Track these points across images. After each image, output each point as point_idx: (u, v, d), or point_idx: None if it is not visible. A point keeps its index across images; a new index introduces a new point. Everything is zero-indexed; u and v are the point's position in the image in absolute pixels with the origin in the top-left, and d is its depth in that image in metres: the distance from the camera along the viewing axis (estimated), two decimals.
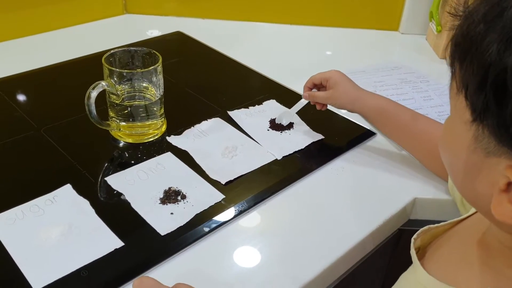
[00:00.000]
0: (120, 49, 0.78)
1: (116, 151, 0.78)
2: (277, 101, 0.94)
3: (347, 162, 0.79)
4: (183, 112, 0.89)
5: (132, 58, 0.80)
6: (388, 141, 0.84)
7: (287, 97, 0.95)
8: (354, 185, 0.75)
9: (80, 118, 0.82)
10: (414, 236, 0.58)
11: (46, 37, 1.15)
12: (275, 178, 0.74)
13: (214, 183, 0.72)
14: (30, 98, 0.91)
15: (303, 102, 0.85)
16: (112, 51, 0.77)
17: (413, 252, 0.56)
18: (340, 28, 1.28)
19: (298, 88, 0.97)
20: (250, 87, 1.01)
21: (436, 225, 0.58)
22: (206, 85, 0.99)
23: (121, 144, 0.79)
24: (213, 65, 1.09)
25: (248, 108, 0.91)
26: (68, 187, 0.69)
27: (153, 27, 1.24)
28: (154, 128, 0.80)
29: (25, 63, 1.01)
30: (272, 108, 0.92)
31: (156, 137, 0.80)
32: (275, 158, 0.78)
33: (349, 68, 1.06)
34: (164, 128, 0.82)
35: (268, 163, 0.77)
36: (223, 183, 0.72)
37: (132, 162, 0.75)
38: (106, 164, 0.75)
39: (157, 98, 0.78)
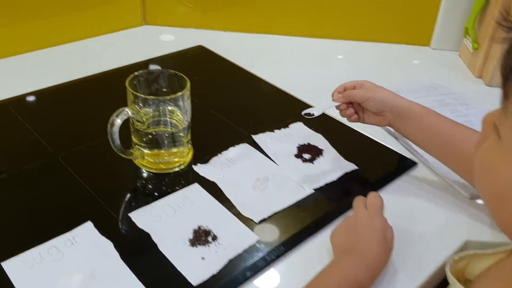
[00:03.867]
0: (143, 71, 0.72)
1: (139, 181, 0.73)
2: (305, 123, 0.88)
3: (387, 197, 0.73)
4: (209, 137, 0.84)
5: (157, 79, 0.75)
6: (431, 171, 0.79)
7: (315, 119, 0.89)
8: (396, 225, 0.68)
9: (100, 144, 0.76)
10: (454, 257, 0.54)
11: (61, 50, 1.09)
12: (311, 216, 0.68)
13: (246, 221, 0.66)
14: (46, 119, 0.86)
15: (332, 104, 0.77)
16: (135, 73, 0.71)
17: (449, 276, 0.51)
18: (369, 42, 1.22)
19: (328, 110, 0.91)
20: (276, 108, 0.95)
21: (484, 251, 0.53)
22: (231, 106, 0.94)
23: (144, 174, 0.73)
24: (237, 83, 1.04)
25: (273, 131, 0.85)
26: (89, 225, 0.63)
27: (173, 39, 1.19)
28: (180, 156, 0.75)
29: (40, 79, 0.96)
30: (299, 131, 0.86)
31: (182, 166, 0.75)
32: (307, 193, 0.72)
33: (381, 85, 1.01)
34: (190, 155, 0.77)
35: (302, 199, 0.71)
36: (256, 222, 0.66)
37: (157, 194, 0.70)
38: (129, 197, 0.69)
39: (184, 126, 0.73)
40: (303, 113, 0.75)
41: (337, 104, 0.77)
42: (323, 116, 0.91)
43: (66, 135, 0.81)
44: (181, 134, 0.73)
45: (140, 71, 0.71)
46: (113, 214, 0.66)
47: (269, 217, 0.67)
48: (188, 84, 0.71)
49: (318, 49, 1.21)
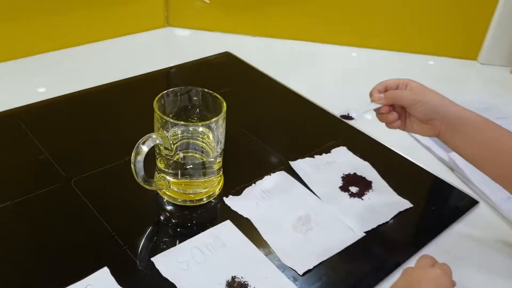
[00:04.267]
0: (172, 90, 0.62)
1: (163, 215, 0.63)
2: (349, 148, 0.78)
3: (451, 243, 0.63)
4: (240, 162, 0.74)
5: (188, 98, 0.65)
6: (494, 210, 0.69)
7: (360, 143, 0.80)
8: (464, 278, 0.57)
9: (119, 167, 0.67)
10: None
11: (77, 52, 0.99)
12: (363, 266, 0.58)
13: (288, 272, 0.57)
14: (58, 134, 0.76)
15: (374, 105, 0.65)
16: (164, 92, 0.61)
17: None
18: (411, 53, 1.11)
19: (372, 130, 0.81)
20: (314, 128, 0.85)
21: None
22: (264, 124, 0.84)
23: (168, 207, 0.64)
24: (269, 97, 0.93)
25: (313, 157, 0.76)
26: (105, 272, 0.54)
27: (197, 44, 1.09)
28: (210, 186, 0.65)
29: (53, 85, 0.87)
30: (343, 158, 0.76)
31: (211, 198, 0.65)
32: (358, 237, 0.62)
33: None
34: (220, 185, 0.67)
35: (351, 244, 0.61)
36: (300, 274, 0.57)
37: (184, 232, 0.60)
38: (152, 235, 0.60)
39: (216, 153, 0.63)
40: (339, 115, 0.65)
41: (379, 106, 0.64)
42: (369, 140, 0.82)
43: (81, 155, 0.71)
44: (212, 160, 0.64)
45: (168, 90, 0.62)
46: (133, 258, 0.56)
47: (315, 267, 0.58)
48: (224, 108, 0.61)
49: (360, 59, 1.10)
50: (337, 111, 0.87)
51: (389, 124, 0.66)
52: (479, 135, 0.60)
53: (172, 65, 0.96)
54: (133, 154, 0.56)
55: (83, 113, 0.81)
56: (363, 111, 0.65)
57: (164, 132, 0.58)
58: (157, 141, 0.57)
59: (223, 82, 0.94)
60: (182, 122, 0.59)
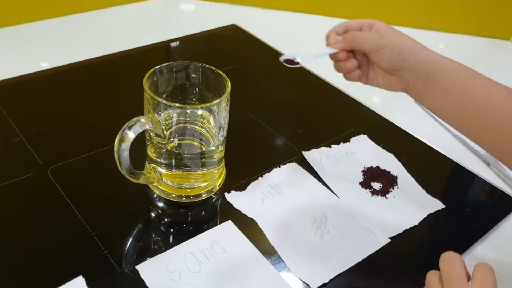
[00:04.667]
0: (166, 65, 0.53)
1: (153, 212, 0.53)
2: (370, 137, 0.68)
3: (489, 251, 0.54)
4: (246, 151, 0.64)
5: (185, 74, 0.55)
6: None
7: (384, 131, 0.70)
8: None
9: (103, 154, 0.58)
10: None
11: (61, 22, 0.88)
12: (389, 280, 0.49)
13: (299, 284, 0.48)
14: (36, 115, 0.65)
15: (328, 50, 0.53)
16: (156, 67, 0.52)
17: None
18: (440, 32, 1.00)
19: (397, 118, 0.72)
20: (333, 114, 0.74)
21: None
22: (275, 108, 0.74)
23: (160, 203, 0.55)
24: (281, 77, 0.82)
25: (330, 147, 0.66)
26: (79, 282, 0.45)
27: (201, 15, 0.98)
28: (210, 179, 0.56)
29: (32, 60, 0.76)
30: (364, 148, 0.66)
31: (211, 193, 0.56)
32: (382, 243, 0.53)
33: None
34: (222, 178, 0.58)
35: (374, 252, 0.52)
36: None
37: (177, 234, 0.51)
38: (138, 238, 0.50)
39: (218, 142, 0.54)
40: (282, 59, 0.52)
41: (335, 51, 0.53)
42: (394, 128, 0.72)
43: (61, 140, 0.61)
44: (213, 149, 0.54)
45: (162, 65, 0.52)
46: (114, 265, 0.47)
47: (331, 280, 0.49)
48: (228, 87, 0.51)
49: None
50: (352, 91, 0.77)
51: (347, 74, 0.54)
52: (460, 88, 0.49)
53: (172, 38, 0.86)
54: (116, 141, 0.46)
55: (65, 91, 0.71)
56: (314, 56, 0.53)
57: (156, 115, 0.49)
58: (147, 126, 0.48)
59: (228, 58, 0.84)
60: (177, 104, 0.49)
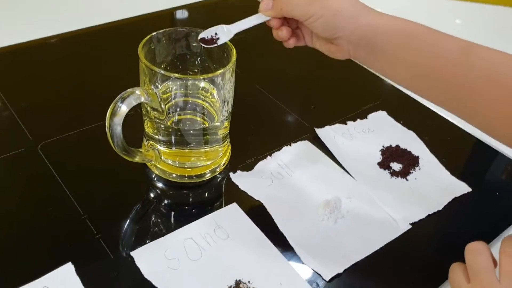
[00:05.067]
0: (164, 31, 0.47)
1: (151, 193, 0.49)
2: (390, 113, 0.63)
3: None
4: (254, 128, 0.59)
5: (185, 42, 0.50)
6: None
7: (404, 107, 0.64)
8: None
9: (97, 130, 0.54)
10: None
11: None
12: (410, 270, 0.44)
13: (311, 276, 0.43)
14: (26, 86, 0.61)
15: (259, 18, 0.47)
16: (152, 34, 0.47)
17: None
18: (471, 2, 0.93)
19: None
20: (349, 88, 0.69)
21: None
22: (285, 81, 0.68)
23: (159, 183, 0.50)
24: (294, 50, 0.77)
25: (346, 123, 0.61)
26: (68, 269, 0.41)
27: None
28: (213, 158, 0.51)
29: (22, 28, 0.71)
30: (382, 125, 0.60)
31: (216, 173, 0.52)
32: (402, 230, 0.48)
33: None
34: (227, 157, 0.53)
35: (394, 239, 0.47)
36: (327, 279, 0.43)
37: (176, 217, 0.47)
38: (134, 221, 0.46)
39: (222, 117, 0.49)
40: (200, 36, 0.46)
41: (266, 18, 0.47)
42: (415, 104, 0.66)
43: (53, 113, 0.57)
44: (218, 125, 0.50)
45: (159, 31, 0.46)
46: (106, 251, 0.43)
47: (345, 271, 0.44)
48: (234, 56, 0.46)
49: (406, 4, 0.92)
50: None
51: (285, 43, 0.49)
52: (404, 52, 0.42)
53: (175, 6, 0.80)
54: (108, 114, 0.42)
55: (58, 63, 0.66)
56: (241, 27, 0.46)
57: (152, 87, 0.44)
58: (142, 99, 0.43)
59: None
60: (176, 75, 0.44)
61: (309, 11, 0.43)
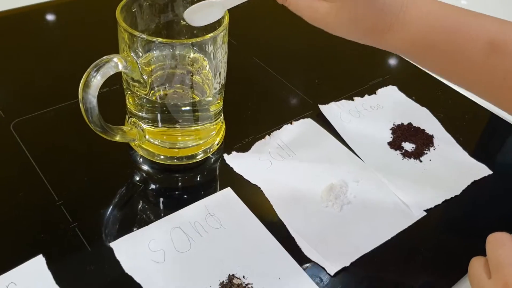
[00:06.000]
0: None
1: (134, 178, 0.44)
2: (400, 88, 0.57)
3: None
4: (251, 104, 0.53)
5: (171, 6, 0.44)
6: None
7: (416, 82, 0.59)
8: None
9: (76, 106, 0.47)
10: None
11: None
12: (426, 262, 0.39)
13: (314, 270, 0.39)
14: None
15: None
16: None
17: None
18: None
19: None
20: (356, 61, 0.63)
21: None
22: (286, 53, 0.62)
23: (144, 166, 0.45)
24: (295, 16, 0.71)
25: (353, 99, 0.55)
26: (38, 263, 0.36)
27: None
28: (205, 137, 0.46)
29: None
30: (393, 102, 0.55)
31: (208, 153, 0.46)
32: (415, 217, 0.43)
33: None
34: (221, 136, 0.48)
35: (406, 228, 0.42)
36: (331, 274, 0.38)
37: (163, 203, 0.42)
38: (115, 209, 0.41)
39: (214, 90, 0.43)
40: (186, 14, 0.39)
41: None
42: (428, 78, 0.60)
43: (25, 89, 0.51)
44: (209, 100, 0.44)
45: None
46: (83, 241, 0.38)
47: (353, 264, 0.39)
48: (226, 20, 0.40)
49: None
50: None
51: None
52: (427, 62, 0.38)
53: None
54: (80, 86, 0.36)
55: (31, 34, 0.60)
56: (235, 2, 0.39)
57: (132, 54, 0.39)
58: (120, 67, 0.38)
59: None
60: (159, 39, 0.38)
61: None
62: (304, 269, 0.38)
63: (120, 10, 0.39)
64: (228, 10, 0.41)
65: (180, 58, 0.42)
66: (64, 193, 0.41)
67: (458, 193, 0.45)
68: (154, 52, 0.41)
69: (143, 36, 0.37)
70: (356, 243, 0.40)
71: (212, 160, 0.46)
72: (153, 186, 0.43)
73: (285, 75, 0.57)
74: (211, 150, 0.46)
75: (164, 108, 0.42)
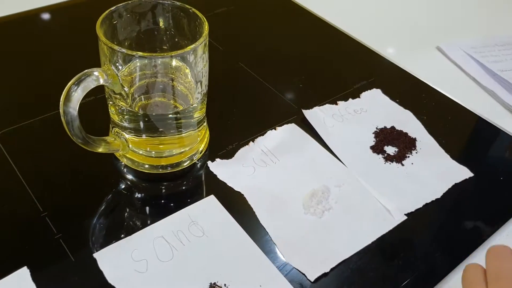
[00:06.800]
0: (126, 4, 0.42)
1: (119, 188, 0.44)
2: (384, 91, 0.58)
3: None
4: (235, 110, 0.54)
5: (151, 15, 0.45)
6: None
7: (401, 84, 0.59)
8: None
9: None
10: None
11: None
12: (407, 266, 0.40)
13: (294, 275, 0.39)
14: None
15: None
16: (113, 7, 0.41)
17: None
18: None
19: (416, 68, 0.61)
20: (340, 65, 0.63)
21: None
22: (271, 58, 0.63)
23: (129, 175, 0.46)
24: (281, 21, 0.71)
25: (336, 103, 0.56)
26: (23, 275, 0.37)
27: None
28: (189, 144, 0.46)
29: None
30: (376, 105, 0.56)
31: (192, 161, 0.47)
32: (396, 222, 0.43)
33: (493, 33, 0.70)
34: (205, 143, 0.48)
35: (387, 233, 0.43)
36: (311, 280, 0.39)
37: (146, 214, 0.43)
38: (100, 220, 0.41)
39: (196, 100, 0.44)
40: None
41: None
42: (413, 80, 0.60)
43: (11, 99, 0.52)
44: (192, 108, 0.45)
45: (120, 5, 0.41)
46: (67, 252, 0.38)
47: (333, 269, 0.40)
48: (206, 30, 0.41)
49: None
50: (364, 37, 0.66)
51: None
52: None
53: None
54: (61, 99, 0.37)
55: (16, 43, 0.60)
56: None
57: (113, 68, 0.39)
58: (101, 81, 0.38)
59: (220, 0, 0.72)
60: (139, 53, 0.39)
61: None
62: (285, 276, 0.38)
63: (100, 24, 0.39)
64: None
65: (161, 67, 0.43)
66: (49, 204, 0.41)
67: (439, 196, 0.46)
68: (135, 62, 0.41)
69: (123, 50, 0.37)
70: (337, 249, 0.41)
71: (196, 167, 0.47)
72: (137, 195, 0.44)
73: (270, 80, 0.58)
74: (195, 157, 0.47)
75: (147, 118, 0.42)
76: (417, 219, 0.44)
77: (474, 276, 0.34)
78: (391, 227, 0.43)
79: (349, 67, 0.62)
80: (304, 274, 0.39)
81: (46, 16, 0.65)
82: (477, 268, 0.34)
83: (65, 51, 0.59)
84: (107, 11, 0.40)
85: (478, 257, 0.42)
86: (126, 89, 0.40)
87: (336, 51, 0.66)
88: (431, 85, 0.59)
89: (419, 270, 0.40)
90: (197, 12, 0.42)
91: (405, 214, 0.44)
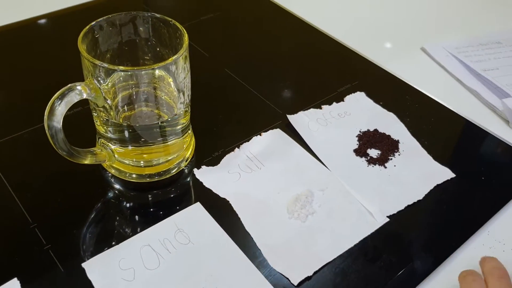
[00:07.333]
0: (107, 18, 0.42)
1: (106, 198, 0.45)
2: (368, 94, 0.59)
3: (509, 227, 0.46)
4: (221, 117, 0.55)
5: (133, 29, 0.45)
6: None
7: (384, 87, 0.60)
8: None
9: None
10: None
11: None
12: (389, 268, 0.41)
13: (279, 279, 0.40)
14: None
15: None
16: (94, 22, 0.42)
17: None
18: None
19: (400, 70, 0.62)
20: (324, 68, 0.64)
21: None
22: (256, 64, 0.64)
23: (116, 185, 0.46)
24: (267, 26, 0.72)
25: (321, 108, 0.57)
26: (13, 286, 0.38)
27: None
28: (175, 152, 0.47)
29: None
30: (360, 108, 0.56)
31: (178, 169, 0.48)
32: (378, 224, 0.44)
33: (477, 33, 0.70)
34: (190, 151, 0.49)
35: (369, 235, 0.44)
36: (295, 283, 0.40)
37: (133, 223, 0.43)
38: (88, 230, 0.42)
39: (179, 110, 0.45)
40: None
41: None
42: (397, 82, 0.61)
43: None
44: (176, 117, 0.46)
45: (101, 19, 0.42)
46: (56, 263, 0.39)
47: (316, 273, 0.41)
48: (186, 42, 0.41)
49: None
50: (349, 40, 0.66)
51: None
52: None
53: None
54: (45, 114, 0.38)
55: (2, 56, 0.62)
56: None
57: (95, 81, 0.40)
58: (84, 95, 0.39)
59: (207, 6, 0.73)
60: (121, 67, 0.40)
61: None
62: (270, 281, 0.39)
63: (82, 39, 0.40)
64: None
65: (144, 78, 0.44)
66: (38, 215, 0.42)
67: (420, 197, 0.47)
68: (118, 74, 0.42)
69: (105, 65, 0.38)
70: (319, 253, 0.42)
71: (183, 175, 0.48)
72: (124, 205, 0.45)
73: (256, 86, 0.59)
74: (182, 165, 0.48)
75: (131, 129, 0.43)
76: (399, 221, 0.45)
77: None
78: (373, 230, 0.44)
79: (334, 70, 0.63)
80: (288, 279, 0.40)
81: (30, 28, 0.66)
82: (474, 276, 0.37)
83: (51, 63, 0.60)
84: (88, 26, 0.41)
85: (460, 257, 0.43)
86: (109, 101, 0.41)
87: (320, 54, 0.66)
88: (415, 87, 0.60)
89: (401, 271, 0.41)
90: (177, 24, 0.43)
91: (387, 216, 0.45)
